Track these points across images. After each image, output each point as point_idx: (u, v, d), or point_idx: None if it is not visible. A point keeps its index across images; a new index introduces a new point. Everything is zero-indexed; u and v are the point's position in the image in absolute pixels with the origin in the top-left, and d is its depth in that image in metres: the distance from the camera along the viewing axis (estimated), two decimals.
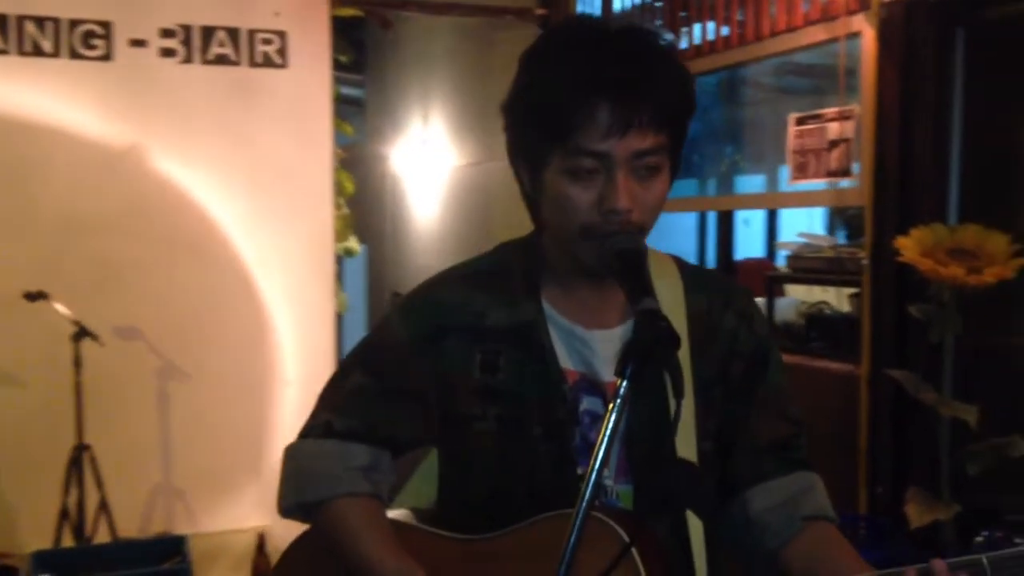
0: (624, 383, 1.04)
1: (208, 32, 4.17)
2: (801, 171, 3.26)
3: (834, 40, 3.07)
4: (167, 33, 4.09)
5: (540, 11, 4.78)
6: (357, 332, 6.90)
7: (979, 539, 2.38)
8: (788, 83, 4.55)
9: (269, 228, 4.34)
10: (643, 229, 1.20)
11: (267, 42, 4.27)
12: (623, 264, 1.15)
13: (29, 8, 3.89)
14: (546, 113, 1.16)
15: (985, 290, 2.63)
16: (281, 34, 4.29)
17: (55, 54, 3.93)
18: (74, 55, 3.96)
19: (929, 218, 2.81)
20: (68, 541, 3.62)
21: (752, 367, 1.32)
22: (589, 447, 1.26)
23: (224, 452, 4.24)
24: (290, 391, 4.39)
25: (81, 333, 3.65)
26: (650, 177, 1.18)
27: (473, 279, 1.33)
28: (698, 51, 3.90)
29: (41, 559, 3.22)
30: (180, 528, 4.05)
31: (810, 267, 3.42)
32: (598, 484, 1.04)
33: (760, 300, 3.72)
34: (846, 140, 3.06)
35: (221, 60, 4.20)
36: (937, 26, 2.80)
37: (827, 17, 3.08)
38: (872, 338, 2.98)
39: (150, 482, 4.14)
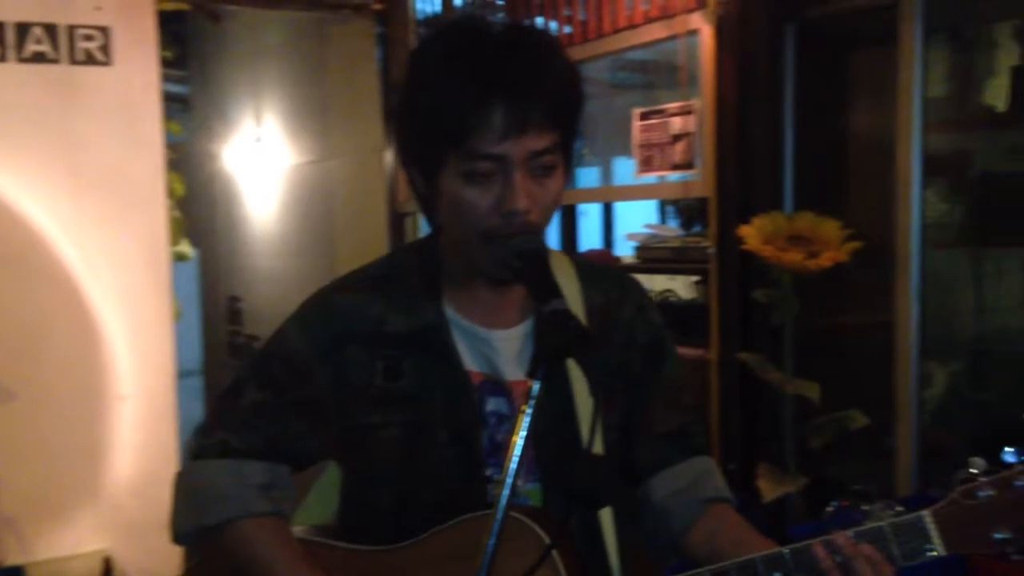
0: (537, 384, 1.05)
1: (23, 29, 3.89)
2: (647, 164, 3.36)
3: (674, 37, 3.18)
4: None
5: (377, 6, 4.72)
6: (190, 339, 6.63)
7: (829, 509, 2.52)
8: (628, 79, 4.69)
9: (97, 234, 4.10)
10: (541, 229, 1.20)
11: (88, 38, 4.02)
12: (527, 265, 1.16)
13: None
14: (440, 117, 1.16)
15: (820, 274, 2.80)
16: (104, 30, 4.05)
17: None
18: None
19: (768, 207, 2.95)
20: None
21: (650, 357, 1.36)
22: (496, 448, 1.26)
23: (57, 474, 3.98)
24: (126, 406, 4.16)
25: None
26: (546, 176, 1.19)
27: (370, 285, 1.31)
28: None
29: None
30: (13, 558, 3.79)
31: (657, 257, 3.54)
32: (513, 485, 1.04)
33: None
34: (688, 134, 3.17)
35: (39, 58, 3.92)
36: (769, 23, 2.94)
37: (666, 15, 3.18)
38: (720, 323, 3.11)
39: None
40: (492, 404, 1.28)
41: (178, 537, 1.30)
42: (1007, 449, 1.10)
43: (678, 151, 3.21)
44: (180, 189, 5.18)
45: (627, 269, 3.75)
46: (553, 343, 1.05)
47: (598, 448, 1.26)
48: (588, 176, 4.80)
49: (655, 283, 3.97)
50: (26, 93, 3.90)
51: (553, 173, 1.21)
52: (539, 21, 3.78)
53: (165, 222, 4.32)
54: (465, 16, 1.27)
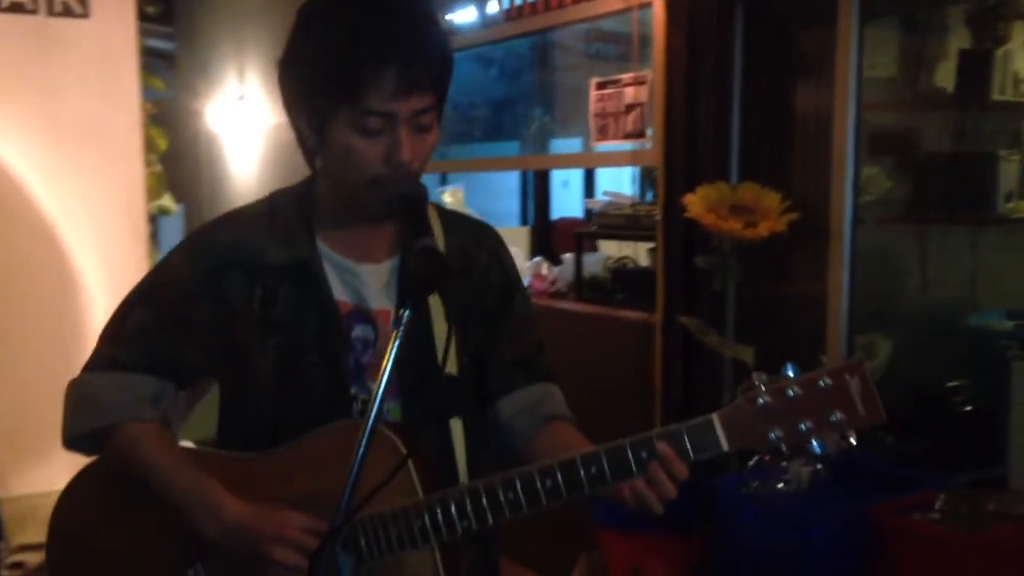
0: (407, 312, 1.18)
1: None
2: (602, 133, 3.47)
3: (628, 9, 3.28)
4: None
5: None
6: None
7: (751, 462, 2.66)
8: (596, 49, 4.78)
9: (75, 185, 4.20)
10: (419, 176, 1.35)
11: None
12: (408, 206, 1.29)
13: None
14: (334, 74, 1.27)
15: (762, 243, 2.92)
16: None
17: None
18: None
19: (714, 177, 3.07)
20: None
21: (501, 296, 1.52)
22: (360, 370, 1.42)
23: (33, 415, 4.10)
24: None
25: None
26: (425, 132, 1.33)
27: (252, 220, 1.45)
28: (507, 15, 4.05)
29: None
30: None
31: (612, 224, 3.65)
32: (381, 401, 1.16)
33: (569, 256, 3.94)
34: (640, 104, 3.28)
35: (16, 8, 4.01)
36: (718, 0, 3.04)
37: None
38: (665, 288, 3.24)
39: None
40: (358, 331, 1.41)
41: (69, 441, 1.41)
42: (788, 365, 1.27)
43: (630, 121, 3.32)
44: (163, 144, 5.27)
45: (586, 236, 3.88)
46: (421, 274, 1.19)
47: (450, 369, 1.41)
48: (567, 146, 4.90)
49: (613, 249, 4.09)
50: (4, 43, 3.99)
51: (431, 129, 1.33)
52: None
53: (142, 174, 4.42)
54: None
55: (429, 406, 1.41)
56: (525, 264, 4.12)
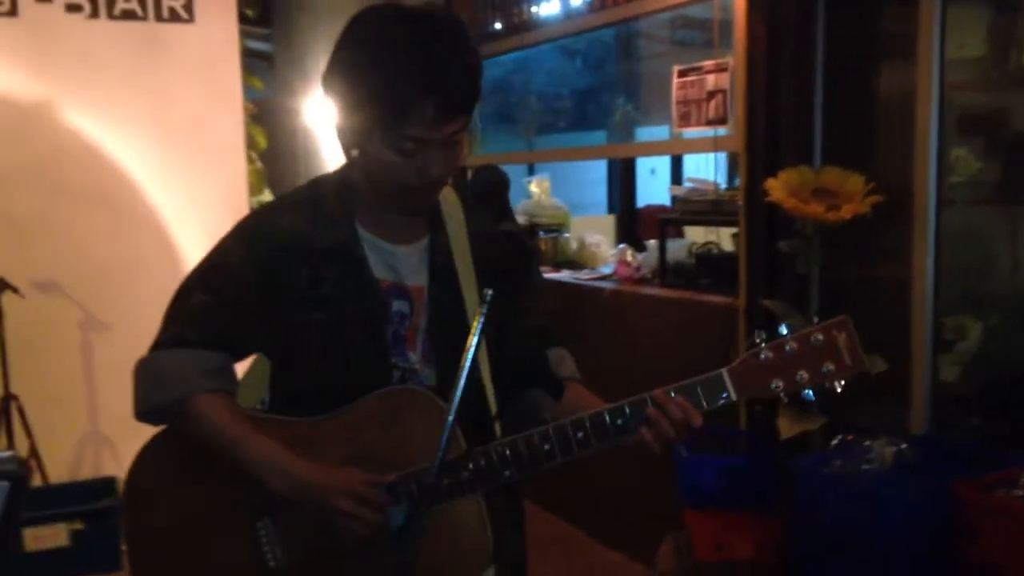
0: (491, 291, 1.34)
1: None
2: (685, 120, 3.52)
3: None
4: None
5: None
6: None
7: (834, 442, 2.69)
8: (680, 36, 4.81)
9: (182, 181, 4.44)
10: (445, 183, 1.54)
11: None
12: (491, 191, 1.45)
13: None
14: (378, 102, 1.40)
15: (845, 226, 2.93)
16: None
17: None
18: None
19: (796, 161, 3.10)
20: None
21: (520, 270, 1.67)
22: (398, 341, 1.56)
23: None
24: None
25: (1, 286, 3.74)
26: (456, 146, 1.47)
27: (296, 207, 1.58)
28: (591, 7, 4.12)
29: None
30: (111, 472, 4.19)
31: (696, 210, 3.70)
32: (468, 373, 1.33)
33: (653, 242, 4.00)
34: (722, 91, 3.32)
35: (128, 15, 4.26)
36: None
37: None
38: (747, 272, 3.28)
39: (78, 430, 4.26)
40: (396, 305, 1.55)
41: (140, 414, 1.55)
42: (783, 325, 1.48)
43: (712, 107, 3.36)
44: (263, 142, 5.52)
45: (670, 222, 3.93)
46: (507, 256, 1.42)
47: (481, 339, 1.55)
48: (654, 134, 4.94)
49: (698, 235, 4.13)
50: (116, 48, 4.24)
51: (461, 142, 1.47)
52: None
53: (245, 172, 4.65)
54: (388, 6, 1.48)
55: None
56: (609, 252, 4.18)
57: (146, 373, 1.56)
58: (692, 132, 3.55)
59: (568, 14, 4.32)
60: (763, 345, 1.43)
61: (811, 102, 3.16)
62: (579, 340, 1.77)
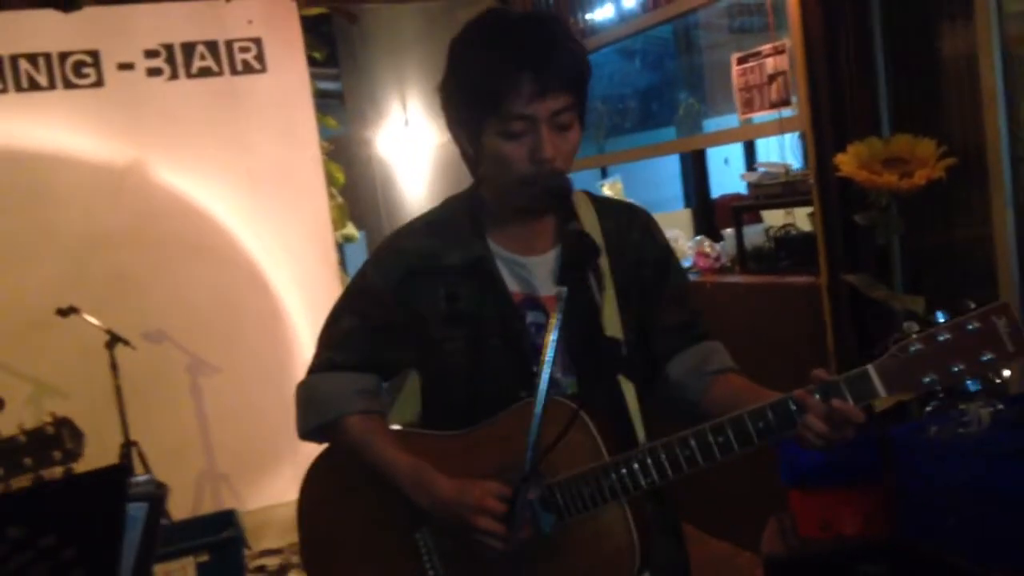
0: (564, 290, 1.36)
1: (189, 48, 4.45)
2: (748, 106, 3.54)
3: None
4: (151, 54, 4.39)
5: None
6: None
7: (928, 408, 2.68)
8: (739, 24, 4.81)
9: (270, 223, 4.64)
10: (565, 172, 1.51)
11: (244, 50, 4.56)
12: (554, 198, 1.48)
13: (21, 47, 4.19)
14: (479, 88, 1.47)
15: (921, 192, 2.91)
16: (256, 41, 4.58)
17: (50, 86, 4.23)
18: (68, 85, 4.26)
19: (864, 133, 3.08)
20: None
21: (658, 269, 1.66)
22: (538, 351, 1.54)
23: (258, 434, 4.57)
24: None
25: (113, 340, 3.97)
26: (565, 130, 1.49)
27: (429, 228, 1.65)
28: (644, 7, 4.17)
29: None
30: (228, 506, 4.38)
31: (769, 193, 3.70)
32: (550, 370, 1.35)
33: (730, 231, 4.02)
34: (782, 73, 3.33)
35: (204, 72, 4.49)
36: None
37: None
38: (826, 249, 3.27)
39: (196, 469, 4.48)
40: (531, 316, 1.58)
41: (303, 435, 1.64)
42: (938, 312, 1.34)
43: (774, 91, 3.37)
44: (341, 177, 5.70)
45: (743, 208, 3.94)
46: (572, 254, 1.38)
47: (620, 342, 1.55)
48: (721, 124, 4.95)
49: (777, 219, 4.12)
50: (197, 105, 4.48)
51: (571, 128, 1.49)
52: None
53: (327, 208, 4.83)
54: (490, 11, 1.57)
55: (600, 375, 1.56)
56: (687, 245, 4.21)
57: (303, 397, 1.66)
58: (757, 117, 3.56)
59: (623, 16, 4.38)
60: (913, 336, 1.32)
61: (873, 71, 3.14)
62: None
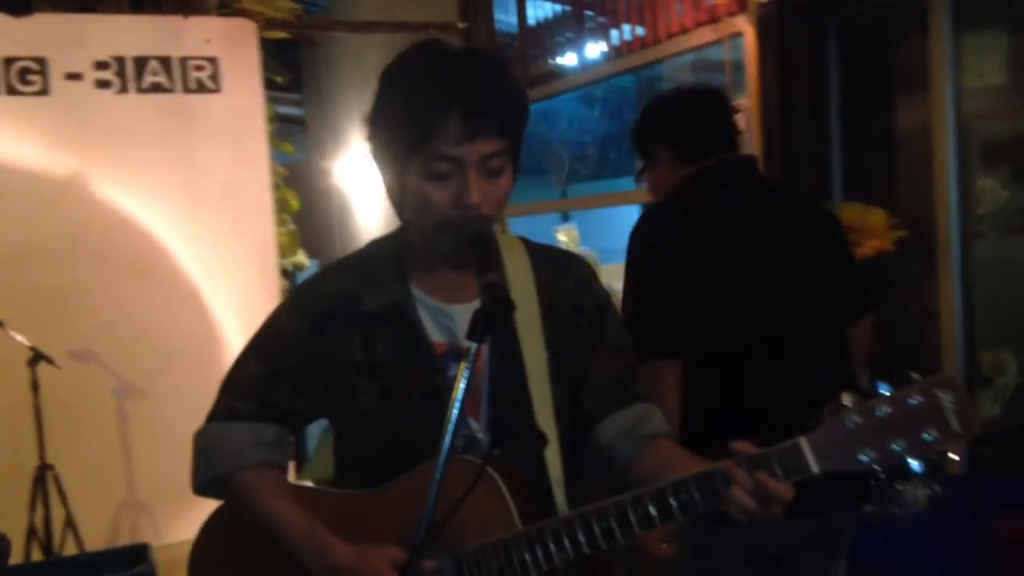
0: (474, 345, 1.24)
1: (141, 62, 4.34)
2: None
3: (720, 40, 3.31)
4: (101, 65, 4.26)
5: (462, 25, 4.99)
6: None
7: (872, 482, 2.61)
8: (703, 79, 4.81)
9: (213, 246, 4.51)
10: (491, 219, 1.41)
11: (199, 68, 4.44)
12: (475, 246, 1.36)
13: None
14: (407, 124, 1.36)
15: (870, 262, 2.88)
16: (212, 60, 4.46)
17: None
18: (11, 91, 4.11)
19: (815, 199, 3.05)
20: (37, 558, 3.77)
21: (593, 323, 1.54)
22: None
23: (182, 465, 4.33)
24: None
25: (37, 357, 3.80)
26: (496, 176, 1.38)
27: (349, 271, 1.53)
28: (604, 58, 4.14)
29: (7, 575, 3.36)
30: (148, 540, 4.20)
31: None
32: (454, 430, 1.24)
33: None
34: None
35: (156, 88, 4.37)
36: (809, 23, 3.04)
37: (713, 19, 3.32)
38: None
39: (115, 497, 4.29)
40: (454, 369, 1.43)
41: (196, 490, 1.52)
42: (880, 382, 1.24)
43: None
44: (296, 204, 5.59)
45: None
46: (485, 308, 1.26)
47: (543, 402, 1.45)
48: None
49: None
50: (146, 120, 4.34)
51: (502, 173, 1.38)
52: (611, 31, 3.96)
53: (273, 235, 4.70)
54: (428, 41, 1.46)
55: (521, 437, 1.45)
56: None
57: (198, 447, 1.53)
58: None
59: (586, 65, 4.35)
60: (849, 408, 1.21)
61: (827, 138, 3.13)
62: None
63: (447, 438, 1.24)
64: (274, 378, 1.50)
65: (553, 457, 1.45)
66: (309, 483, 1.60)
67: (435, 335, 1.48)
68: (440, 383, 1.45)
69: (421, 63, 1.41)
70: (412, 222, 1.47)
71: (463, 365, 1.25)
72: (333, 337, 1.48)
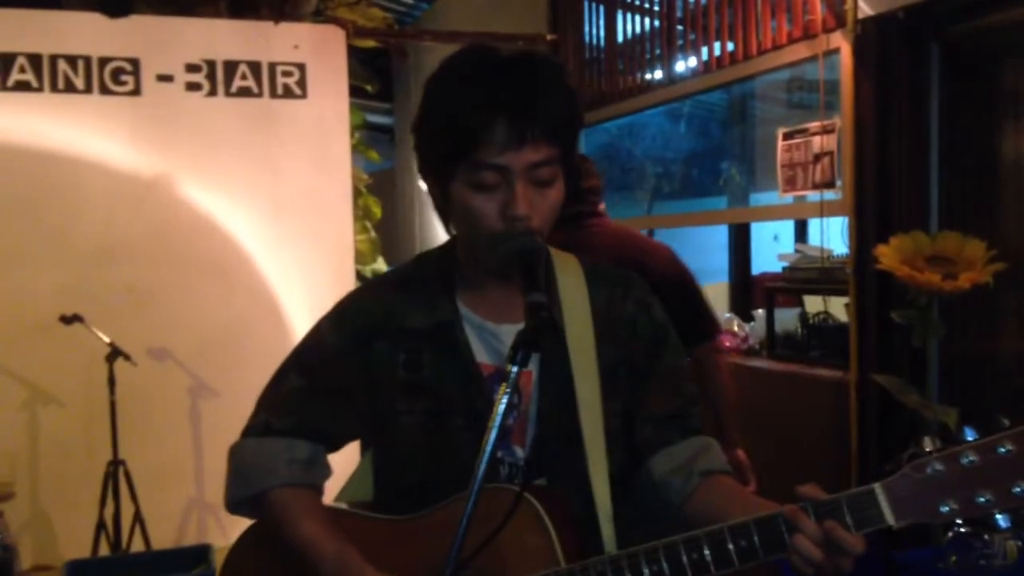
0: (514, 369, 1.15)
1: (231, 66, 4.39)
2: (790, 184, 3.35)
3: (815, 56, 3.17)
4: (192, 68, 4.32)
5: (550, 37, 4.93)
6: None
7: (950, 534, 2.44)
8: (798, 99, 4.65)
9: (292, 250, 4.53)
10: (542, 232, 1.32)
11: (287, 74, 4.48)
12: (521, 262, 1.27)
13: (61, 48, 4.14)
14: (450, 132, 1.28)
15: (967, 296, 2.70)
16: (300, 66, 4.50)
17: (87, 90, 4.18)
18: (104, 91, 4.20)
19: (909, 226, 2.89)
20: (105, 553, 3.81)
21: (651, 349, 1.44)
22: (506, 433, 1.37)
23: None
24: None
25: (114, 354, 3.86)
26: (545, 186, 1.30)
27: (394, 286, 1.45)
28: (693, 74, 4.03)
29: (73, 568, 3.40)
30: (214, 540, 4.22)
31: (804, 278, 3.50)
32: (490, 458, 1.14)
33: (761, 311, 3.82)
34: (829, 153, 3.15)
35: (244, 92, 4.41)
36: (910, 41, 2.88)
37: (808, 35, 3.18)
38: (858, 344, 3.06)
39: (184, 496, 4.33)
40: None
41: (230, 507, 1.45)
42: (967, 428, 1.13)
43: (819, 170, 3.19)
44: (378, 212, 5.60)
45: (776, 291, 3.74)
46: (527, 331, 1.16)
47: (594, 432, 1.35)
48: (767, 199, 4.79)
49: (815, 305, 3.91)
50: (233, 123, 4.39)
51: (552, 184, 1.30)
52: (695, 49, 3.84)
53: (351, 242, 4.70)
54: (473, 46, 1.38)
55: (569, 467, 1.36)
56: None
57: (232, 464, 1.47)
58: (799, 196, 3.37)
59: (672, 80, 4.23)
60: (932, 454, 1.11)
61: (926, 163, 2.95)
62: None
63: (482, 465, 1.15)
64: (312, 394, 1.44)
65: (602, 490, 1.35)
66: (344, 505, 1.52)
67: (482, 356, 1.40)
68: (484, 407, 1.36)
69: (465, 68, 1.33)
70: (459, 236, 1.40)
71: (503, 388, 1.16)
72: (376, 354, 1.41)
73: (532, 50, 1.36)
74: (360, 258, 5.06)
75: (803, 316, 3.67)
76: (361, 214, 5.26)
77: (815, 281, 3.44)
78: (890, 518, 1.12)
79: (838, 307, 3.74)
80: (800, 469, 2.97)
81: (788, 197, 3.42)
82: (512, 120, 1.26)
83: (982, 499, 1.09)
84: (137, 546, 3.86)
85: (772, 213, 3.82)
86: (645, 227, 5.55)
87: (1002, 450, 1.09)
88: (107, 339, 3.86)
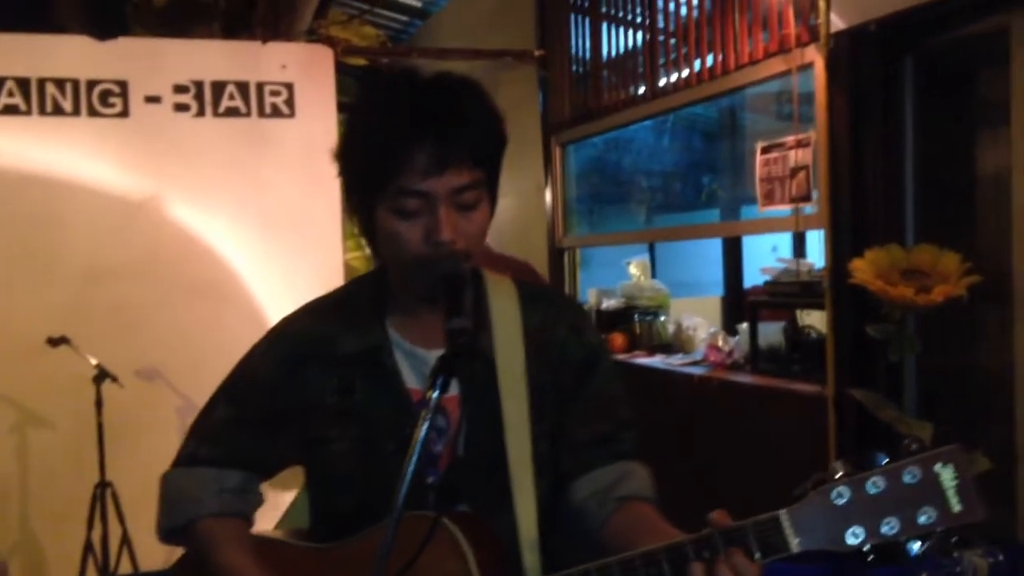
0: (434, 395, 1.15)
1: (219, 87, 4.41)
2: (769, 198, 3.35)
3: (788, 71, 3.17)
4: (180, 89, 4.35)
5: (538, 52, 4.94)
6: None
7: (917, 551, 2.42)
8: (789, 110, 4.64)
9: (281, 270, 4.53)
10: (468, 255, 1.31)
11: (275, 93, 4.49)
12: (445, 287, 1.27)
13: (49, 71, 4.17)
14: (370, 159, 1.28)
15: (945, 310, 2.68)
16: (288, 86, 4.51)
17: (75, 113, 4.20)
18: (92, 113, 4.22)
19: (885, 240, 2.87)
20: (92, 575, 3.82)
21: (580, 373, 1.43)
22: (433, 459, 1.37)
23: None
24: None
25: (101, 375, 3.87)
26: (470, 209, 1.29)
27: (325, 311, 1.45)
28: (675, 87, 4.03)
29: None
30: None
31: (785, 291, 3.49)
32: (409, 484, 1.14)
33: (745, 325, 3.80)
34: (805, 167, 3.14)
35: (232, 112, 4.43)
36: (884, 54, 2.88)
37: (783, 49, 3.18)
38: (836, 358, 3.05)
39: None
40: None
41: (161, 536, 1.45)
42: (879, 453, 1.12)
43: (796, 184, 3.18)
44: None
45: (758, 304, 3.72)
46: (447, 356, 1.16)
47: (521, 455, 1.35)
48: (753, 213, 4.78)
49: (809, 319, 3.89)
50: (221, 144, 4.41)
51: (477, 206, 1.30)
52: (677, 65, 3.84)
53: (341, 260, 4.71)
54: (397, 69, 1.38)
55: (493, 493, 1.35)
56: (700, 336, 4.00)
57: (161, 493, 1.47)
58: (776, 210, 3.37)
59: (656, 94, 4.23)
60: (838, 480, 1.10)
61: (901, 175, 2.95)
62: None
63: (401, 492, 1.15)
64: (242, 423, 1.43)
65: (527, 515, 1.34)
66: (281, 531, 1.51)
67: (412, 382, 1.39)
68: (413, 433, 1.35)
69: (384, 93, 1.33)
70: (386, 261, 1.39)
71: (423, 414, 1.16)
72: (308, 380, 1.40)
73: (453, 73, 1.36)
74: (353, 274, 5.07)
75: (787, 330, 3.65)
76: (355, 231, 5.27)
77: (795, 295, 3.42)
78: (794, 545, 1.11)
79: (823, 321, 3.73)
80: (781, 484, 2.94)
81: (770, 211, 3.41)
82: (433, 145, 1.25)
83: (887, 527, 1.09)
84: (124, 568, 3.86)
85: (748, 228, 3.81)
86: (637, 241, 5.54)
87: (907, 477, 1.08)
88: (94, 361, 3.87)
